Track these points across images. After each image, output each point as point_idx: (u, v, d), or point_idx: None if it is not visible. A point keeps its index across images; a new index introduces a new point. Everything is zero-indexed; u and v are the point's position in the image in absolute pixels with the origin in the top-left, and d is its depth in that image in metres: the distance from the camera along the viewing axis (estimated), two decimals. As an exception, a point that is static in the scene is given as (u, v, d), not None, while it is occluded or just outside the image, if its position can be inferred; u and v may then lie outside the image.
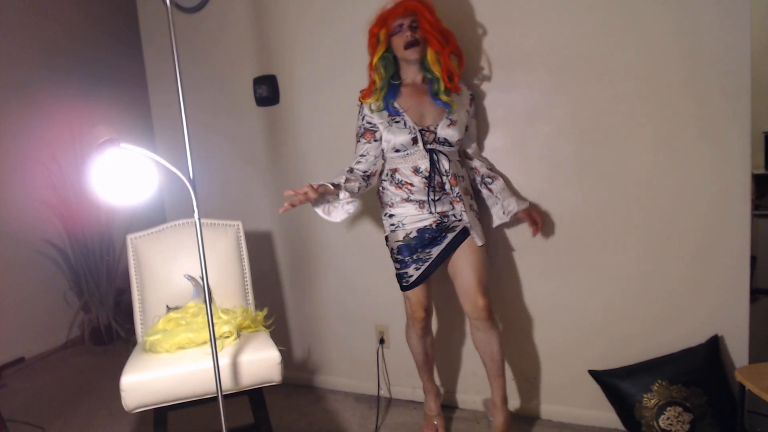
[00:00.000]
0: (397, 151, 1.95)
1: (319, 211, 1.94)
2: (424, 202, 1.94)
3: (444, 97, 1.91)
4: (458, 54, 1.96)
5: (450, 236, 1.97)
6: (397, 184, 1.97)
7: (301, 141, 2.56)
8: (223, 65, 2.68)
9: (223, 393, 1.62)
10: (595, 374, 2.08)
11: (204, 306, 1.97)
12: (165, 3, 1.51)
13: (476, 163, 2.09)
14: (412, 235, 1.96)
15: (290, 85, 2.54)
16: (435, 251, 1.97)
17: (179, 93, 1.51)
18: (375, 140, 1.98)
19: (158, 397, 1.72)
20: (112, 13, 3.97)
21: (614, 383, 2.00)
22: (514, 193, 2.14)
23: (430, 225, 1.96)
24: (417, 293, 2.01)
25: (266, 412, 1.92)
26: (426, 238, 1.96)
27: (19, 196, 3.39)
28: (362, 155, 2.00)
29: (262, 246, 2.73)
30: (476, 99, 2.12)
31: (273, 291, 2.77)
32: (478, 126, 2.14)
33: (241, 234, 2.25)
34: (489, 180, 2.08)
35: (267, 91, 2.56)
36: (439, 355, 2.36)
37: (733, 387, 1.90)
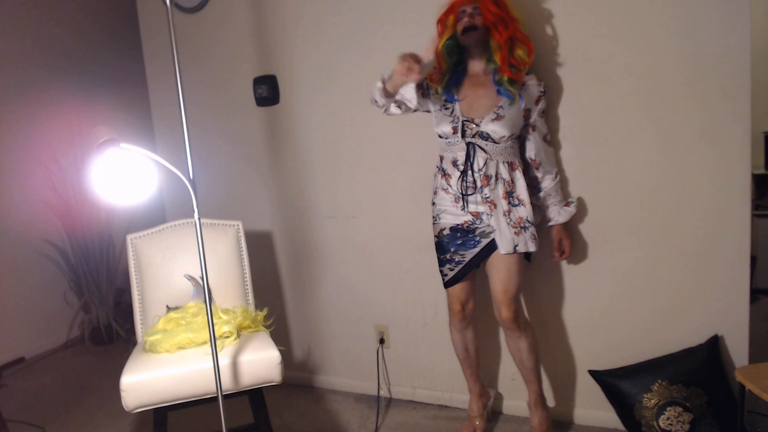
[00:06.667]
0: (441, 138, 1.94)
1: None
2: (459, 197, 1.92)
3: (507, 86, 1.84)
4: (524, 42, 1.83)
5: (484, 242, 1.90)
6: (441, 171, 1.96)
7: (301, 141, 2.56)
8: (223, 65, 2.68)
9: (223, 393, 1.62)
10: (595, 374, 2.08)
11: (204, 306, 1.97)
12: (165, 3, 1.51)
13: (539, 175, 1.95)
14: (445, 233, 1.96)
15: (290, 85, 2.54)
16: (469, 255, 1.94)
17: (179, 93, 1.51)
18: (420, 96, 1.98)
19: (158, 397, 1.72)
20: (112, 13, 3.97)
21: (614, 383, 2.00)
22: (564, 198, 2.01)
23: (463, 224, 1.92)
24: (455, 288, 2.02)
25: (266, 412, 1.92)
26: (458, 237, 1.94)
27: (19, 196, 3.39)
28: (405, 88, 1.97)
29: (262, 246, 2.73)
30: (547, 95, 1.95)
31: (273, 291, 2.76)
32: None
33: (241, 234, 2.25)
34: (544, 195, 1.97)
35: (267, 91, 2.56)
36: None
37: (733, 387, 1.89)
